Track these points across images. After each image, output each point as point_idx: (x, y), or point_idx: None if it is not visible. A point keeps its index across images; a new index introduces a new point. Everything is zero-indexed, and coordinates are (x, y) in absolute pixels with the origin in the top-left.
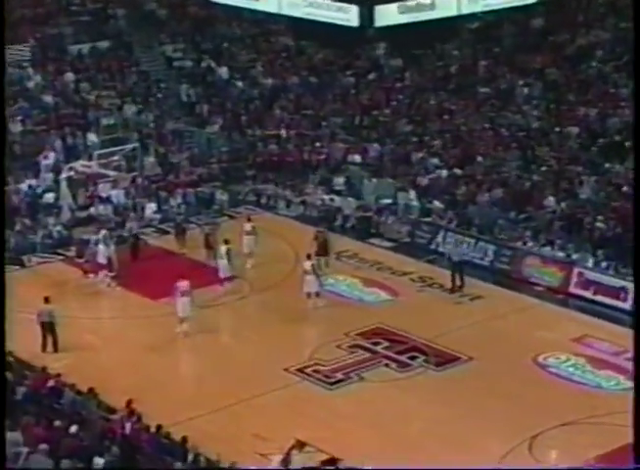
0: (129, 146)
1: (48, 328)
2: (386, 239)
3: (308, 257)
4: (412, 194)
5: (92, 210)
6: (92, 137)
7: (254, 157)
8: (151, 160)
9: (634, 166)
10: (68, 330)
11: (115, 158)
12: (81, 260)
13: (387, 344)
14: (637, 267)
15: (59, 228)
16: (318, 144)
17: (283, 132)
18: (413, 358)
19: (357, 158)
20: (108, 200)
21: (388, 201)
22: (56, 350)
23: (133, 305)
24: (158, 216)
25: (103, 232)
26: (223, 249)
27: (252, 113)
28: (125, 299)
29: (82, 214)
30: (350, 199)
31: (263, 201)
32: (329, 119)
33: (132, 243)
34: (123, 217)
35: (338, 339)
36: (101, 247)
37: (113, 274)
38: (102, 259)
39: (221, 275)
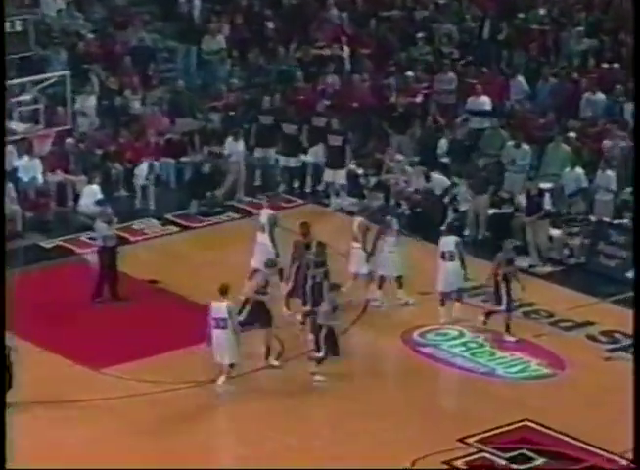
0: (52, 75)
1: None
2: (540, 258)
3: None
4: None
5: None
6: None
7: (289, 98)
8: (92, 101)
9: (635, 163)
10: None
11: (26, 97)
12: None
13: (540, 460)
14: (637, 267)
15: None
16: (411, 75)
17: (345, 51)
18: None
19: (485, 101)
20: (11, 176)
21: (548, 186)
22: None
23: (57, 378)
24: (108, 210)
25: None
26: (452, 241)
27: (286, 15)
28: (44, 366)
29: None
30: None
31: (296, 184)
32: (432, 29)
33: (108, 261)
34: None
35: (448, 448)
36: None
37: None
38: None
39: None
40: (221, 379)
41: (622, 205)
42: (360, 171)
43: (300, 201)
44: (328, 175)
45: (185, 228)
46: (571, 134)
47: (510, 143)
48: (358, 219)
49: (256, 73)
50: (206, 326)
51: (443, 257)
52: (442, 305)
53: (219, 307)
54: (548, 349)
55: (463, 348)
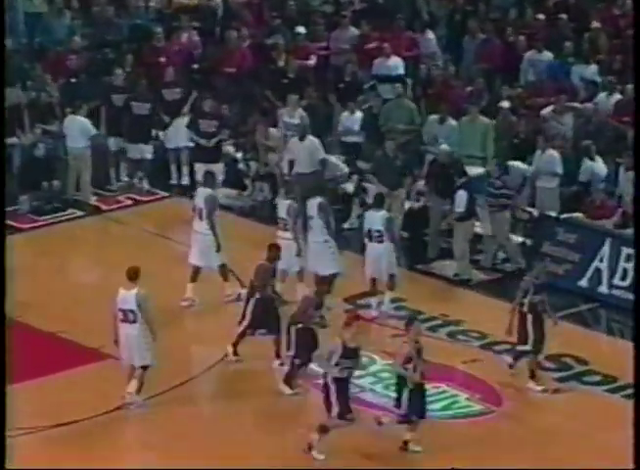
0: None
1: None
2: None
3: None
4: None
5: None
6: None
7: (146, 60)
8: None
9: (635, 165)
10: None
11: None
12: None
13: None
14: (637, 268)
15: None
16: (303, 32)
17: (216, 1)
18: None
19: (397, 64)
20: None
21: (478, 171)
22: None
23: None
24: None
25: None
26: (379, 217)
27: None
28: None
29: None
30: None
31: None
32: None
33: None
34: None
35: None
36: None
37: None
38: None
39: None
40: (131, 385)
41: (571, 194)
42: (239, 155)
43: (163, 193)
44: (200, 171)
45: (14, 230)
46: (505, 104)
47: (433, 117)
48: (287, 202)
49: (104, 30)
50: (48, 353)
51: (369, 237)
52: (373, 293)
53: (126, 297)
54: (480, 378)
55: (373, 379)
